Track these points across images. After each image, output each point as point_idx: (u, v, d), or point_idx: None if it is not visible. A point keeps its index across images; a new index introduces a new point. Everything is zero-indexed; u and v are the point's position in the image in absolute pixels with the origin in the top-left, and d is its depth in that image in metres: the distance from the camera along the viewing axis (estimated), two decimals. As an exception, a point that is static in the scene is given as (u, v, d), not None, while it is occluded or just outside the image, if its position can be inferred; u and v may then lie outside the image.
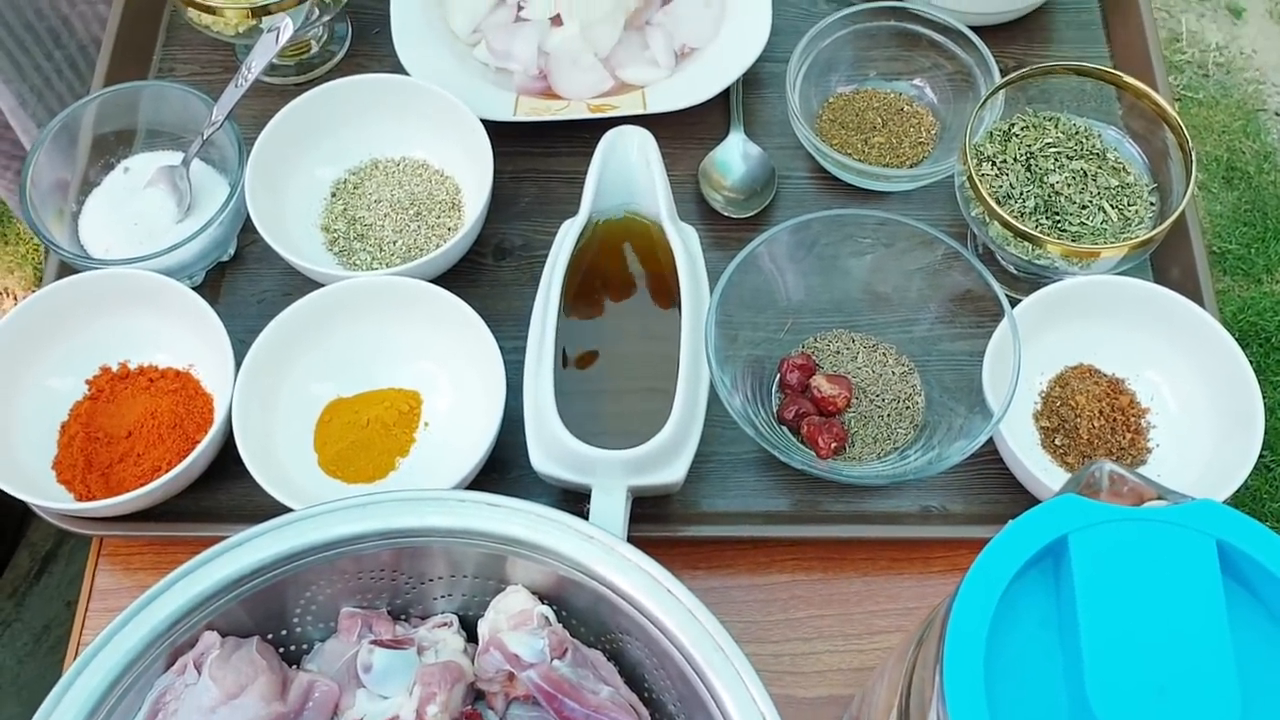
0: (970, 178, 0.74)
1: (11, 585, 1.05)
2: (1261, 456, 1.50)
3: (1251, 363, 1.45)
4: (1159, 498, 0.43)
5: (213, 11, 0.81)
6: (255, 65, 0.77)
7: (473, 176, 0.80)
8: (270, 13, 0.80)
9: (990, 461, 0.72)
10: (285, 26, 0.77)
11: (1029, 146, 0.77)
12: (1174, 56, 1.83)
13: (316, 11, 0.83)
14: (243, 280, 0.81)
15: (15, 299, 1.59)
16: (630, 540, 0.57)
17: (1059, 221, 0.75)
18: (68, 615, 1.10)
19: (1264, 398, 1.46)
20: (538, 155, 0.84)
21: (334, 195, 0.81)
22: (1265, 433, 1.49)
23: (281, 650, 0.60)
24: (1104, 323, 0.74)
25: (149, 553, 0.72)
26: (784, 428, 0.73)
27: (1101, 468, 0.43)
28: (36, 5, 1.11)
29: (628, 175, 0.74)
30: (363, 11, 0.89)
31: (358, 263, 0.79)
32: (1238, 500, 1.49)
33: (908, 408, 0.74)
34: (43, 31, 1.13)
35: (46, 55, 1.15)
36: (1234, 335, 1.50)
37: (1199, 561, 0.41)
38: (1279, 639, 0.40)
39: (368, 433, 0.73)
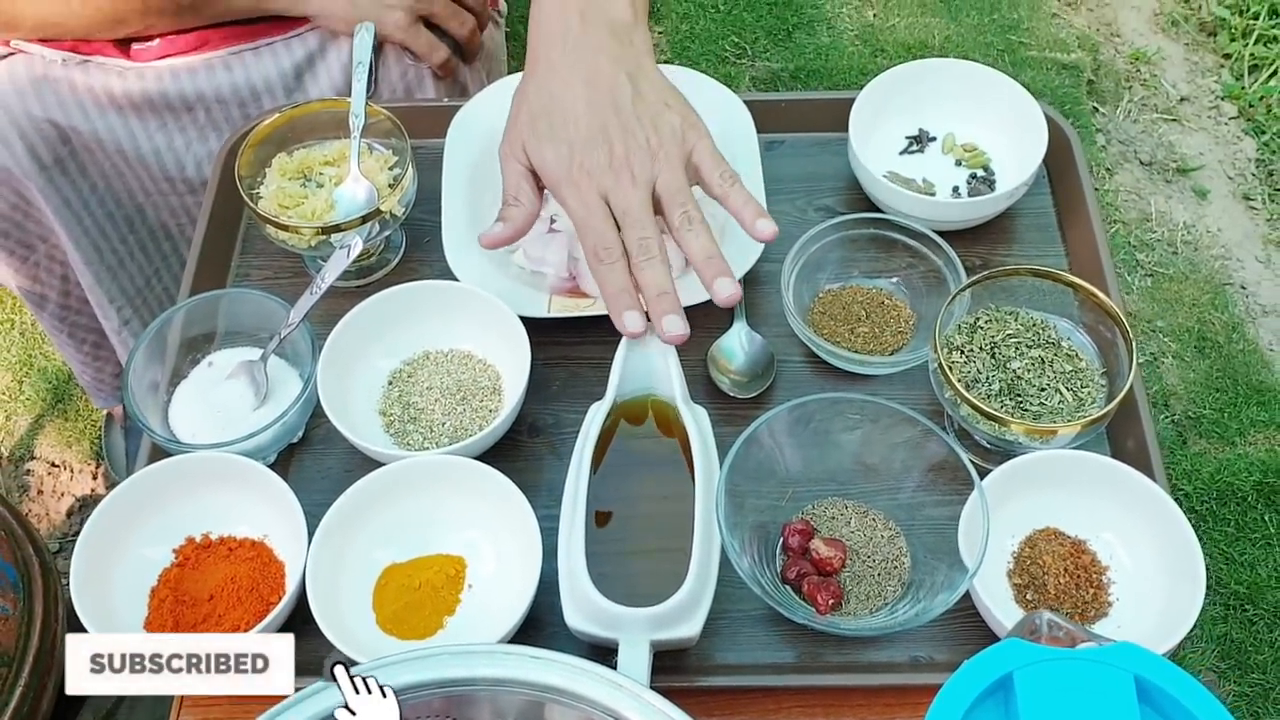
0: (941, 365, 0.85)
1: (73, 743, 1.12)
2: (1244, 610, 1.56)
3: (1230, 521, 1.54)
4: (1088, 640, 0.52)
5: (289, 229, 0.94)
6: (328, 277, 0.89)
7: (512, 365, 0.91)
8: (341, 230, 0.93)
9: (970, 615, 0.80)
10: (355, 244, 0.90)
11: (993, 337, 0.88)
12: (1145, 235, 1.97)
13: (378, 228, 0.96)
14: (310, 459, 0.91)
15: (73, 471, 1.70)
16: (653, 689, 0.66)
17: (1021, 402, 0.86)
18: (122, 772, 1.16)
19: (1241, 555, 1.53)
20: (568, 345, 0.95)
21: (390, 383, 0.92)
22: (1243, 585, 1.55)
23: (346, 792, 0.68)
24: (1066, 490, 0.83)
25: (225, 704, 0.80)
26: (787, 586, 0.82)
27: (1041, 616, 0.53)
28: (116, 195, 1.25)
29: (647, 364, 0.85)
30: (416, 224, 1.02)
31: (410, 443, 0.89)
32: (1224, 652, 1.55)
33: (896, 567, 0.83)
34: (120, 219, 1.27)
35: (121, 239, 1.29)
36: (1212, 496, 1.58)
37: (1120, 693, 0.50)
38: (1183, 756, 0.49)
39: (419, 594, 0.82)
